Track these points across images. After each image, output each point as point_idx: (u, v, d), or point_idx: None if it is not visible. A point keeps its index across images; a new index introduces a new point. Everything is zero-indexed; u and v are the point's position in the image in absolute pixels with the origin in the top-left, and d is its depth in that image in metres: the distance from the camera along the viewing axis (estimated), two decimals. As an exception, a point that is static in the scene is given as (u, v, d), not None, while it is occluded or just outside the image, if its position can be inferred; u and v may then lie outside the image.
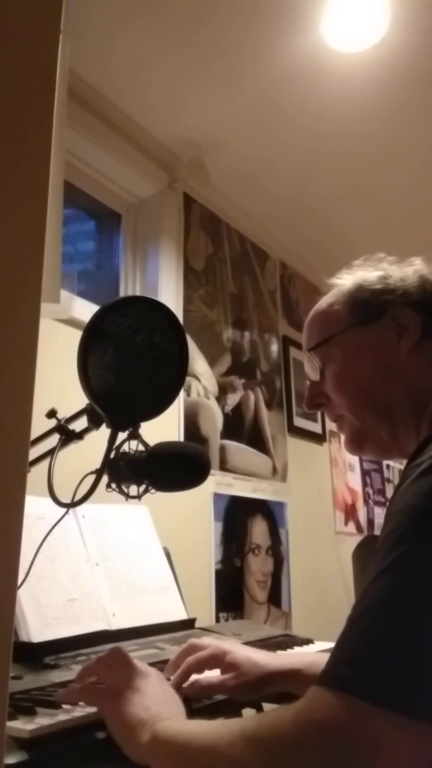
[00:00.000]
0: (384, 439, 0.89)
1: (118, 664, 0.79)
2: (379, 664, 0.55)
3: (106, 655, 0.81)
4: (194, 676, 0.92)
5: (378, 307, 0.89)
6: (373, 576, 0.59)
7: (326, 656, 0.60)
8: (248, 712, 1.16)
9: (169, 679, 0.91)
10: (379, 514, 3.31)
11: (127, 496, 0.85)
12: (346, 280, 0.95)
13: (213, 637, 1.11)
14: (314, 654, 1.17)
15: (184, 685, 0.89)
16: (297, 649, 1.22)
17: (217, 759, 0.59)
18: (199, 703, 0.88)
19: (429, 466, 0.63)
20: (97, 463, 0.81)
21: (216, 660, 0.93)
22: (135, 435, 0.84)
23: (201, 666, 0.93)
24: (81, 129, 1.92)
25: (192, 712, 0.82)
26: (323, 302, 0.96)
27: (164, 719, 0.69)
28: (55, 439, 0.90)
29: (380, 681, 0.54)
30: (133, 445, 0.84)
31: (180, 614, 1.27)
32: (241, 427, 2.38)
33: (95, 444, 0.86)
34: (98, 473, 0.80)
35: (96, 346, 0.81)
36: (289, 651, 1.19)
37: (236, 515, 2.23)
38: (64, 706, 0.76)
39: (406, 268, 0.92)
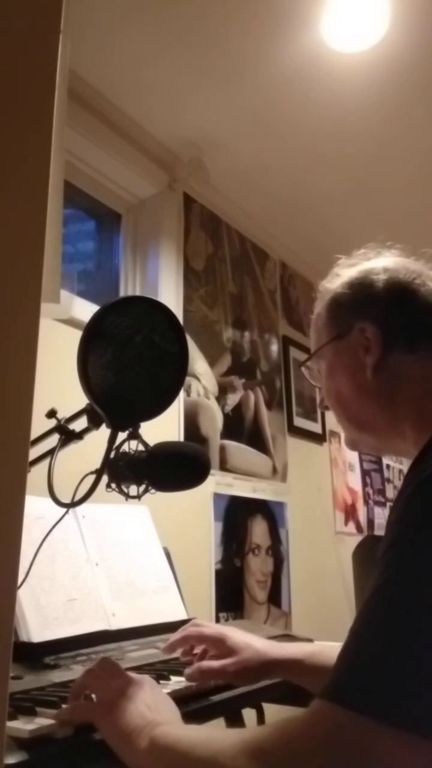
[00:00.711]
0: (372, 444, 0.91)
1: (107, 675, 0.77)
2: (380, 678, 0.54)
3: (95, 666, 0.80)
4: (190, 669, 0.91)
5: (346, 321, 0.88)
6: (374, 587, 0.59)
7: (327, 646, 0.60)
8: (247, 713, 1.16)
9: (168, 678, 0.91)
10: (379, 514, 3.31)
11: (127, 496, 0.85)
12: (329, 287, 0.93)
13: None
14: (315, 644, 1.17)
15: (185, 672, 0.89)
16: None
17: None
18: (197, 703, 0.88)
19: (428, 475, 0.62)
20: (97, 463, 0.81)
21: (216, 642, 0.93)
22: (135, 435, 0.84)
23: (201, 638, 0.94)
24: (81, 129, 1.92)
25: (190, 712, 0.82)
26: (314, 311, 0.96)
27: (161, 724, 0.68)
28: (55, 439, 0.90)
29: (381, 696, 0.54)
30: (133, 445, 0.84)
31: (180, 614, 1.27)
32: (241, 427, 2.38)
33: (95, 444, 0.86)
34: (98, 473, 0.80)
35: (96, 346, 0.81)
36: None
37: (236, 515, 2.23)
38: (65, 707, 0.76)
39: (377, 273, 0.88)
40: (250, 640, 0.94)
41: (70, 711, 0.74)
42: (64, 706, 0.76)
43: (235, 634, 0.95)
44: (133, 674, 0.79)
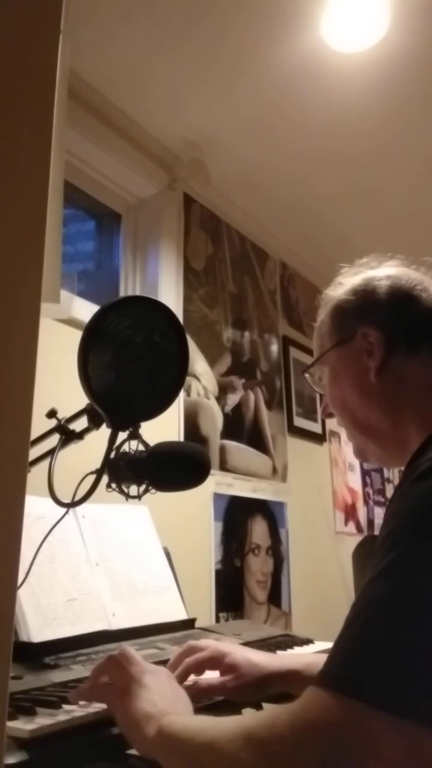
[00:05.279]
0: (378, 453, 0.92)
1: (127, 663, 0.80)
2: (375, 664, 0.55)
3: (117, 654, 0.82)
4: (192, 677, 0.92)
5: (350, 327, 0.89)
6: (370, 578, 0.60)
7: (325, 657, 0.60)
8: (248, 712, 1.16)
9: None
10: (379, 514, 3.31)
11: (127, 496, 0.85)
12: (332, 295, 0.95)
13: (212, 638, 1.11)
14: (314, 655, 1.17)
15: (183, 686, 0.89)
16: (297, 650, 1.22)
17: (216, 754, 0.60)
18: (198, 703, 0.88)
19: (425, 469, 0.64)
20: (97, 463, 0.81)
21: (215, 661, 0.93)
22: (135, 435, 0.84)
23: (200, 667, 0.94)
24: (81, 129, 1.92)
25: (194, 711, 0.83)
26: (318, 318, 0.98)
27: (170, 714, 0.69)
28: (55, 439, 0.90)
29: (375, 682, 0.54)
30: (133, 445, 0.84)
31: (180, 614, 1.27)
32: (241, 427, 2.38)
33: (95, 444, 0.86)
34: (98, 473, 0.80)
35: (96, 346, 0.81)
36: (289, 651, 1.19)
37: (236, 515, 2.23)
38: (65, 706, 0.76)
39: (380, 279, 0.90)
40: (248, 654, 0.95)
41: (88, 690, 0.77)
42: (65, 706, 0.76)
43: (233, 649, 0.95)
44: (151, 665, 0.81)
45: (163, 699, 0.73)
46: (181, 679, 0.90)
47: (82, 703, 0.78)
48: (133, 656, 0.81)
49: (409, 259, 0.95)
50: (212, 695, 0.91)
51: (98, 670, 0.81)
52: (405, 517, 0.62)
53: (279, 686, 0.93)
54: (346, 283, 0.94)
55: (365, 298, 0.89)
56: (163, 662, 1.01)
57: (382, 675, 0.54)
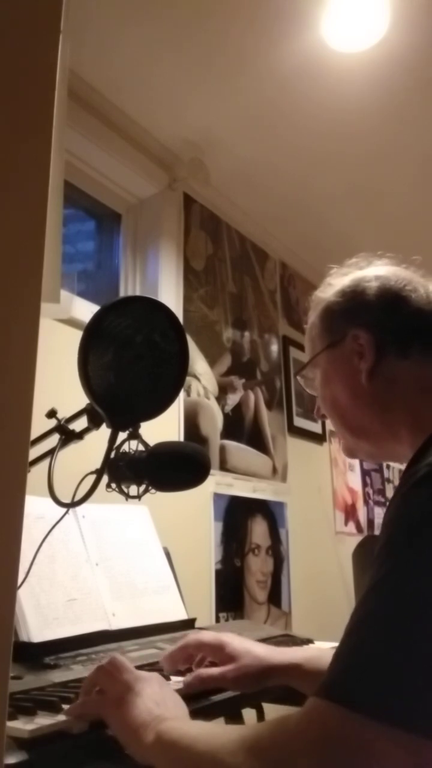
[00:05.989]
0: (369, 451, 0.92)
1: (117, 671, 0.79)
2: (374, 676, 0.55)
3: (106, 663, 0.81)
4: (190, 676, 0.91)
5: (340, 329, 0.89)
6: (369, 587, 0.60)
7: (326, 651, 0.60)
8: (247, 713, 1.16)
9: (168, 679, 0.91)
10: (379, 514, 3.31)
11: (127, 496, 0.85)
12: (321, 297, 0.94)
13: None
14: (315, 649, 1.17)
15: (185, 680, 0.89)
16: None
17: (217, 766, 0.59)
18: (197, 703, 0.88)
19: (422, 476, 0.63)
20: (97, 463, 0.81)
21: (216, 650, 0.93)
22: (135, 435, 0.85)
23: (199, 647, 0.94)
24: (81, 129, 1.92)
25: (191, 712, 0.83)
26: (309, 320, 0.97)
27: (167, 719, 0.69)
28: (55, 439, 0.90)
29: (374, 694, 0.54)
30: (133, 445, 0.84)
31: (180, 614, 1.27)
32: (241, 427, 2.38)
33: (95, 444, 0.86)
34: (98, 473, 0.80)
35: (96, 346, 0.81)
36: (289, 651, 1.19)
37: (236, 515, 2.23)
38: (65, 706, 0.76)
39: (369, 280, 0.89)
40: (250, 645, 0.94)
41: (81, 705, 0.76)
42: (64, 706, 0.76)
43: (234, 640, 0.95)
44: (142, 672, 0.80)
45: (158, 704, 0.73)
46: (179, 654, 0.92)
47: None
48: (123, 664, 0.80)
49: (399, 258, 0.94)
50: (212, 685, 0.91)
51: (89, 683, 0.79)
52: (403, 524, 0.62)
53: (279, 679, 0.93)
54: (335, 284, 0.93)
55: (354, 300, 0.88)
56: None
57: (381, 686, 0.54)
